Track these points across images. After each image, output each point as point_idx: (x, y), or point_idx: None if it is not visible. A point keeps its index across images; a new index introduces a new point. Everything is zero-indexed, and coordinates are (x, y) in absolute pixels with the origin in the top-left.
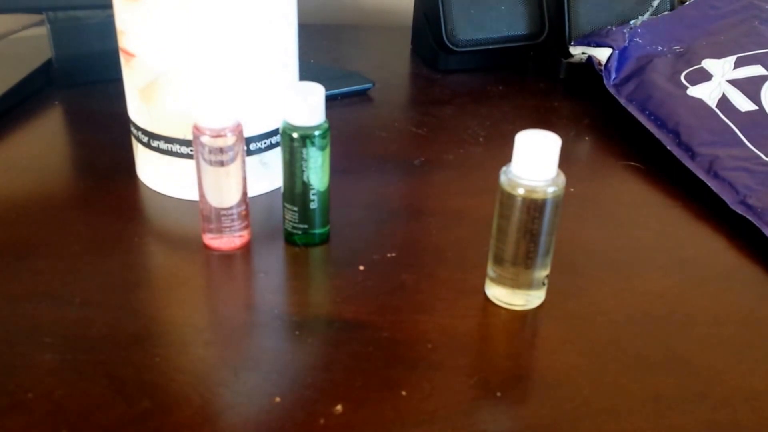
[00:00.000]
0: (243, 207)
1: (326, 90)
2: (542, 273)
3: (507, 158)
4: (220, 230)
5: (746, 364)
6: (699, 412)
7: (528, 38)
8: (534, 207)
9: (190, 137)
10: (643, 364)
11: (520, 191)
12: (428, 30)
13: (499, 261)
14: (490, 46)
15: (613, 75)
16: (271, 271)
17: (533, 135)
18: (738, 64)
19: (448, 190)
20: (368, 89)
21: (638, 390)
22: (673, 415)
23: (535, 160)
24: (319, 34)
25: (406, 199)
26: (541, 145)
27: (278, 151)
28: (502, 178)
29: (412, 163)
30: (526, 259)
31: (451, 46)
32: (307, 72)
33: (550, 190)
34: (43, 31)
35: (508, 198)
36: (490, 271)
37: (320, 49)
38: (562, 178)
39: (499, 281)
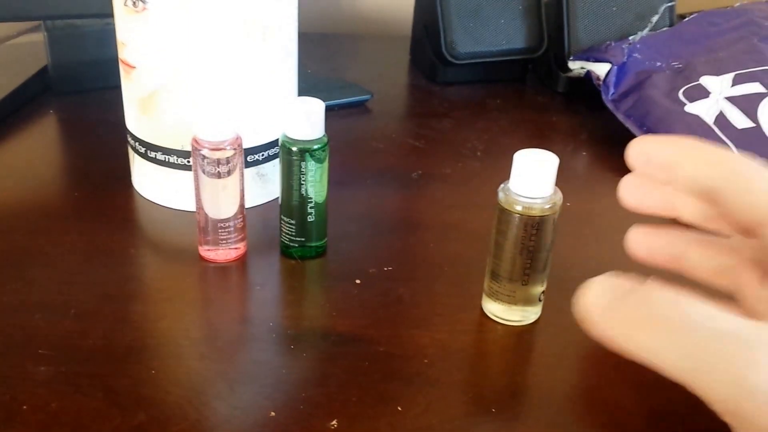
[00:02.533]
0: (240, 219)
1: (324, 101)
2: (539, 289)
3: (505, 172)
4: (216, 242)
5: None
6: (695, 428)
7: (527, 52)
8: (531, 224)
9: (188, 148)
10: (639, 381)
11: (518, 208)
12: (427, 42)
13: (495, 277)
14: (489, 59)
15: (612, 90)
16: (267, 284)
17: (532, 154)
18: (736, 81)
19: (446, 204)
20: (366, 100)
21: (634, 406)
22: None
23: (533, 178)
24: (318, 44)
25: (403, 213)
26: (539, 163)
27: (276, 162)
28: (500, 195)
29: (409, 176)
30: (523, 276)
31: (450, 58)
32: (305, 82)
33: (547, 207)
34: (39, 37)
35: (505, 215)
36: (487, 286)
37: (319, 59)
38: (560, 196)
39: (496, 297)
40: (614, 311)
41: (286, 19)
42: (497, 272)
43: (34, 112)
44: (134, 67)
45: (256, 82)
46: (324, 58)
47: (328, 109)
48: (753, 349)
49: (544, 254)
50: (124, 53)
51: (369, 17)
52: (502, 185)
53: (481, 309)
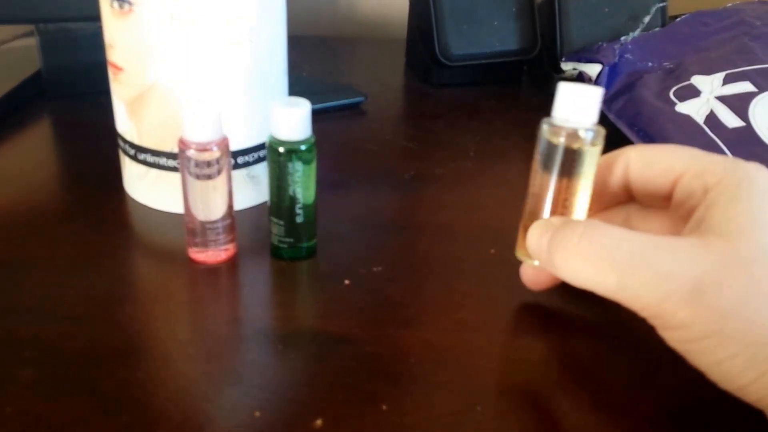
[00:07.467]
0: (229, 220)
1: (318, 103)
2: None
3: (498, 173)
4: (205, 244)
5: None
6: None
7: (520, 53)
8: (574, 156)
9: (176, 150)
10: (625, 380)
11: (561, 140)
12: (421, 44)
13: (534, 217)
14: (483, 61)
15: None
16: (256, 285)
17: (576, 85)
18: (727, 80)
19: (438, 205)
20: (361, 103)
21: (619, 405)
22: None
23: (578, 106)
24: (313, 47)
25: (394, 213)
26: (584, 93)
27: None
28: (544, 127)
29: (402, 177)
30: (564, 208)
31: (443, 60)
32: (299, 84)
33: (589, 140)
34: (33, 41)
35: (549, 147)
36: (525, 228)
37: (314, 62)
38: (603, 133)
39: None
40: (554, 245)
41: (274, 19)
42: (536, 210)
43: (28, 115)
44: (122, 69)
45: (243, 83)
46: (319, 60)
47: (323, 112)
48: (671, 252)
49: (584, 193)
50: (111, 55)
51: (365, 20)
52: (544, 119)
53: (469, 308)
